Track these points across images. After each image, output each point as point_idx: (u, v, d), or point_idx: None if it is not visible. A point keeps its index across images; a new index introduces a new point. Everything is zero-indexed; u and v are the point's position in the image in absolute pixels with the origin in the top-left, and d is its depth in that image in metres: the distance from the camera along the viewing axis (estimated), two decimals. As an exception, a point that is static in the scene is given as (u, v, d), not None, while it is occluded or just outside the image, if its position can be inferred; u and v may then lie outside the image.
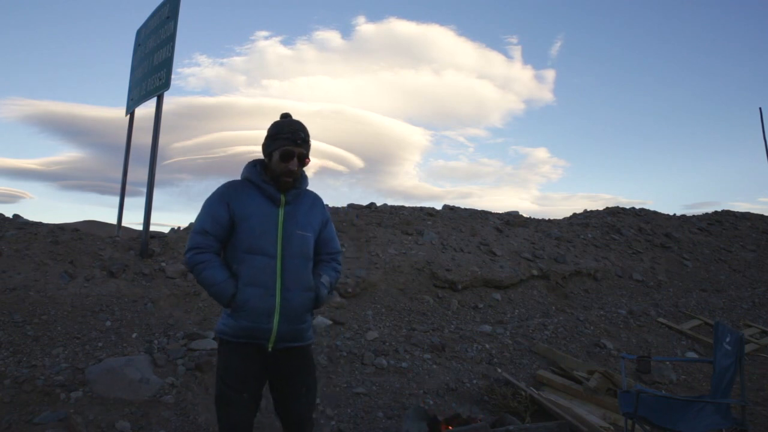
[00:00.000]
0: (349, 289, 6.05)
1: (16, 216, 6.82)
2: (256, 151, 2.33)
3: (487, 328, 5.53)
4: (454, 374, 4.39)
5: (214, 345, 4.16)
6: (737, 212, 12.63)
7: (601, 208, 11.65)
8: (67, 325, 4.35)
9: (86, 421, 3.15)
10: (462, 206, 10.14)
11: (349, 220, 7.89)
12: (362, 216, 8.25)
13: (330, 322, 5.17)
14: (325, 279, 2.27)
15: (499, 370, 4.50)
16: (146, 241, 5.84)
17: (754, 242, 10.57)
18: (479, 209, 10.09)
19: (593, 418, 3.63)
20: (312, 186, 2.35)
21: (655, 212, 11.61)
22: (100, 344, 4.17)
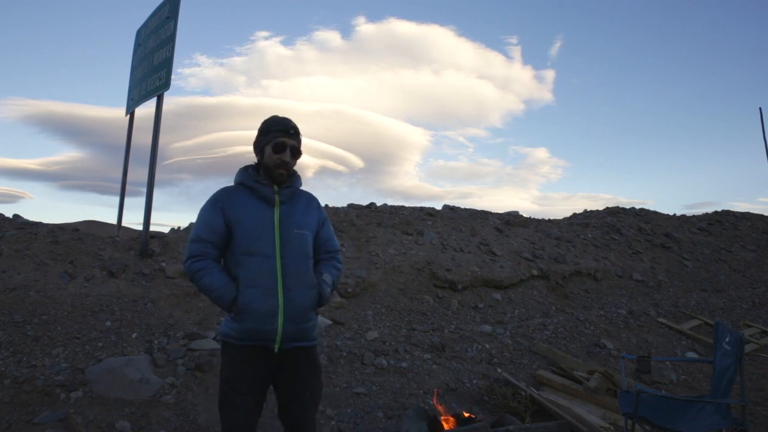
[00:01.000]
0: (349, 289, 6.05)
1: (16, 216, 6.82)
2: (256, 152, 2.32)
3: (487, 328, 5.54)
4: (454, 374, 4.39)
5: (214, 345, 4.16)
6: (737, 212, 12.63)
7: (601, 208, 11.65)
8: (67, 325, 4.35)
9: (86, 421, 3.16)
10: (462, 206, 10.15)
11: (349, 220, 7.90)
12: (362, 216, 8.25)
13: (330, 322, 5.17)
14: (327, 277, 2.27)
15: (499, 370, 4.50)
16: (146, 241, 5.84)
17: (754, 242, 10.57)
18: (479, 209, 10.10)
19: (593, 418, 3.63)
20: (312, 186, 2.38)
21: (655, 212, 11.61)
22: (100, 344, 4.17)
